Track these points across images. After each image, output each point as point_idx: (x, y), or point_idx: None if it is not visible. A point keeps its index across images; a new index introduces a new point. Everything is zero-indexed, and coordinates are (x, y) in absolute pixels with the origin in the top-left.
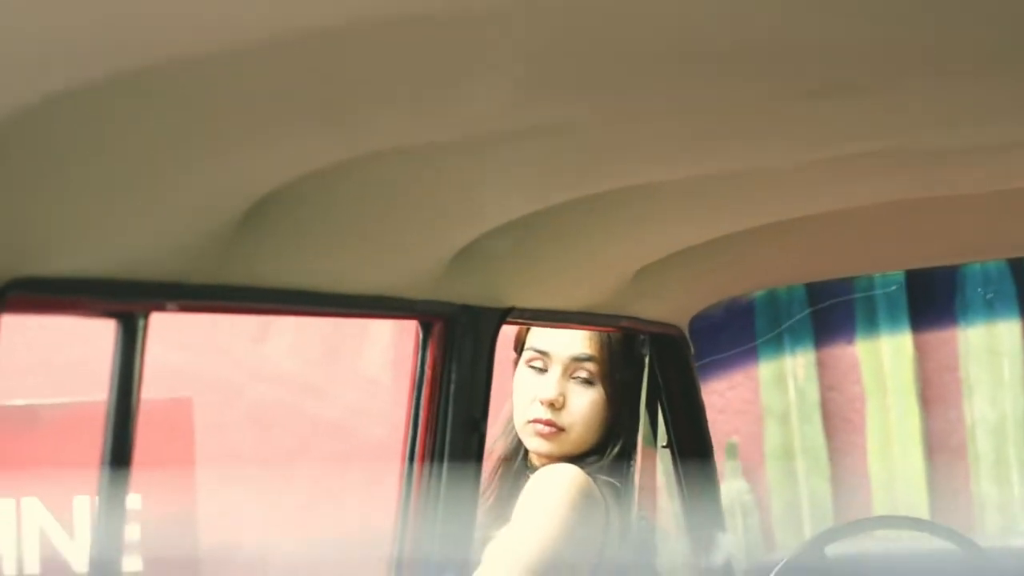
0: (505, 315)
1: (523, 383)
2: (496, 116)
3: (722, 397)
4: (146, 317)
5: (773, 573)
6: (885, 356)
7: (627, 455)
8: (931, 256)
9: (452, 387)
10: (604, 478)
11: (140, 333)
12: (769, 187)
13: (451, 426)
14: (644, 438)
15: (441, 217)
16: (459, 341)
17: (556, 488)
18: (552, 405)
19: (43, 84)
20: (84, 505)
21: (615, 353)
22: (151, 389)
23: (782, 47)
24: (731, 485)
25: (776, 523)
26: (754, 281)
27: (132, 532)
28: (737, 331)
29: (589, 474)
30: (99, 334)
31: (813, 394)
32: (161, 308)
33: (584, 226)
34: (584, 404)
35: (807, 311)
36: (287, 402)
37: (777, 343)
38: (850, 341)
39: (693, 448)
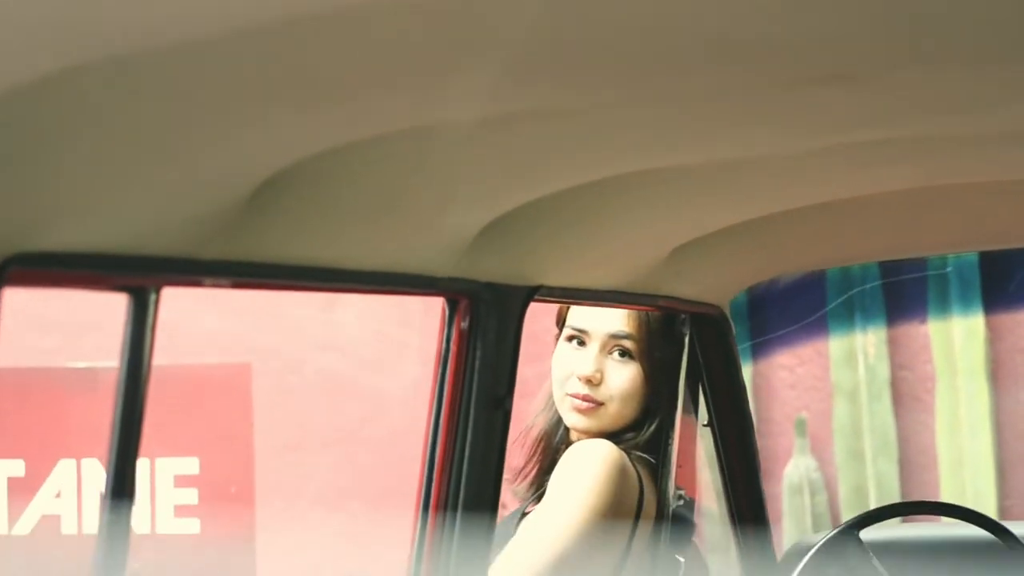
0: (532, 293)
1: (562, 359)
2: (510, 97)
3: (792, 373)
4: (157, 292)
5: (807, 557)
6: (956, 336)
7: (664, 432)
8: (966, 241)
9: (477, 364)
10: (639, 454)
11: (151, 307)
12: (797, 172)
13: (475, 404)
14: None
15: (464, 195)
16: (484, 319)
17: (590, 463)
18: (590, 381)
19: (45, 61)
20: (144, 468)
21: (653, 331)
22: (210, 355)
23: (784, 36)
24: (799, 462)
25: (843, 502)
26: (793, 263)
27: (189, 496)
28: (807, 304)
29: (624, 450)
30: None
31: (883, 372)
32: (173, 283)
33: (614, 205)
34: (622, 380)
35: (878, 283)
36: (349, 374)
37: (848, 320)
38: (922, 320)
39: (734, 427)
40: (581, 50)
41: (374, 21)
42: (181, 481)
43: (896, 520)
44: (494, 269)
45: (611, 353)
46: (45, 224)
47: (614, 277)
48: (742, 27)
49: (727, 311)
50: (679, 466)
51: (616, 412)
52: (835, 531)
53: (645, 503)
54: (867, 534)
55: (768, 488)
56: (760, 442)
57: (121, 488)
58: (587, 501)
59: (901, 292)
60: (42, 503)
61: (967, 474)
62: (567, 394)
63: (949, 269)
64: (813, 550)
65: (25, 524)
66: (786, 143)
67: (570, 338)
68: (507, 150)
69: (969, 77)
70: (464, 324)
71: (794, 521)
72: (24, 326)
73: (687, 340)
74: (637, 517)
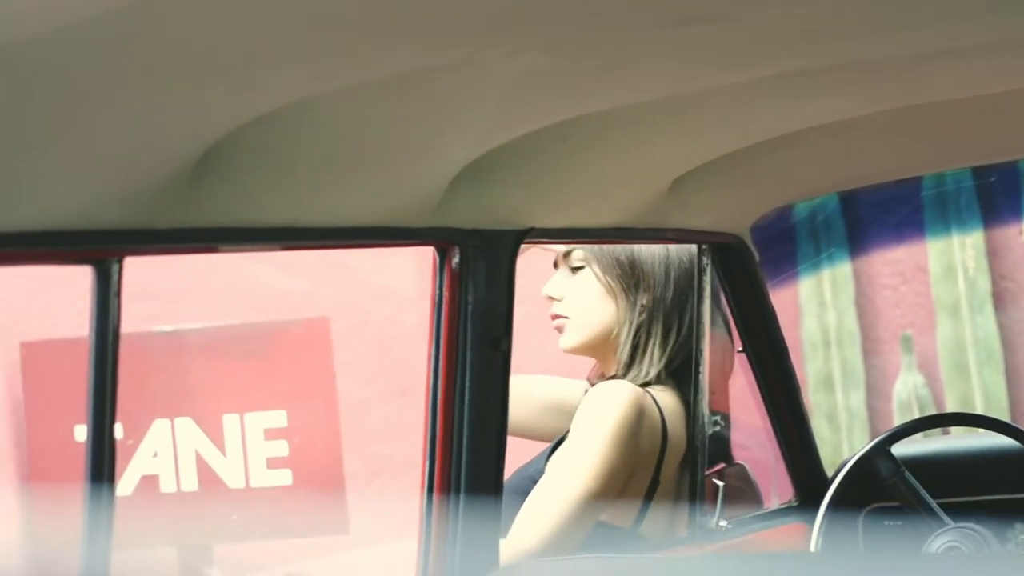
0: (523, 236)
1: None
2: (474, 42)
3: (895, 292)
4: (120, 262)
5: (840, 475)
6: None
7: (688, 365)
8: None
9: (470, 309)
10: (662, 390)
11: (115, 277)
12: (791, 94)
13: (472, 347)
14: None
15: (436, 142)
16: (473, 265)
17: (604, 405)
18: (551, 299)
19: None
20: (234, 424)
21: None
22: (286, 312)
23: None
24: (907, 379)
25: None
26: (810, 186)
27: (279, 448)
28: (904, 217)
29: (644, 388)
30: (243, 261)
31: (984, 284)
32: (133, 252)
33: (601, 141)
34: (577, 288)
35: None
36: (417, 329)
37: (944, 226)
38: (1019, 224)
39: (769, 351)
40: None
41: None
42: (271, 434)
43: (937, 432)
44: (479, 214)
45: (571, 272)
46: None
47: (613, 213)
48: None
49: (747, 238)
50: (712, 393)
51: (585, 321)
52: (867, 447)
53: (671, 436)
54: (901, 449)
55: (880, 405)
56: (868, 361)
57: (99, 454)
58: (606, 443)
59: (994, 199)
60: (141, 463)
61: None
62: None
63: None
64: (845, 468)
65: (127, 485)
66: (769, 66)
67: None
68: (478, 94)
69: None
70: (454, 270)
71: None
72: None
73: (702, 268)
74: (662, 452)
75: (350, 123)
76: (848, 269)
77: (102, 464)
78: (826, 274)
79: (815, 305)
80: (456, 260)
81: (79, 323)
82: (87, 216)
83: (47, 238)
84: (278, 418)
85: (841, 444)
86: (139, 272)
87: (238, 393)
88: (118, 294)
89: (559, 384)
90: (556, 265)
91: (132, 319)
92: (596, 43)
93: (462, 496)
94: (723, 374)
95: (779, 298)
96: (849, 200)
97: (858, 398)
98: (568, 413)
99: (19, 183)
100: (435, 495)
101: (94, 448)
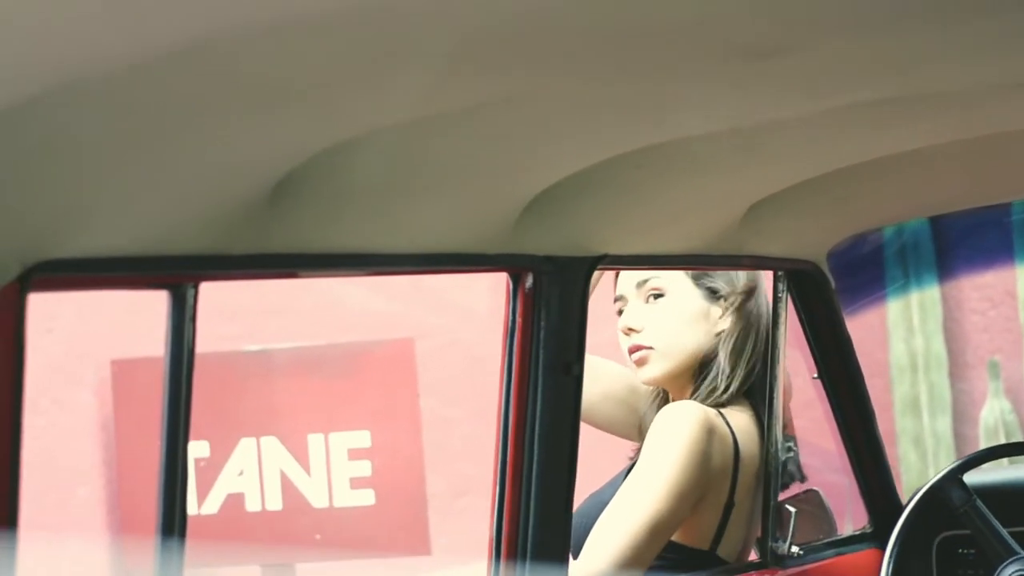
0: (596, 262)
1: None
2: (549, 72)
3: (984, 316)
4: (195, 287)
5: (911, 504)
6: None
7: (761, 387)
8: None
9: (542, 335)
10: (734, 411)
11: (190, 302)
12: (865, 124)
13: (543, 370)
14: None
15: (509, 169)
16: (546, 290)
17: (675, 425)
18: (631, 330)
19: (51, 73)
20: (318, 443)
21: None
22: (372, 333)
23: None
24: (994, 404)
25: None
26: (884, 214)
27: (363, 468)
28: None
29: (716, 408)
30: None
31: None
32: (209, 277)
33: (675, 168)
34: (659, 316)
35: None
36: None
37: None
38: None
39: (843, 377)
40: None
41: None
42: (355, 454)
43: (1005, 462)
44: (553, 241)
45: (646, 301)
46: (69, 231)
47: (687, 240)
48: None
49: (823, 265)
50: (790, 420)
51: (671, 348)
52: (940, 475)
53: (743, 456)
54: (973, 478)
55: (966, 431)
56: (955, 386)
57: (173, 476)
58: (675, 462)
59: None
60: (227, 482)
61: None
62: (629, 355)
63: None
64: (918, 495)
65: (213, 503)
66: (844, 95)
67: (618, 312)
68: (552, 123)
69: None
70: (527, 296)
71: (992, 463)
72: (210, 315)
73: (778, 296)
74: (735, 473)
75: (425, 151)
76: (936, 293)
77: (175, 485)
78: (914, 298)
79: (903, 329)
80: (529, 285)
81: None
82: (164, 242)
83: (124, 264)
84: (362, 438)
85: (927, 469)
86: (229, 293)
87: (323, 412)
88: (193, 319)
89: (623, 373)
90: (619, 299)
91: (222, 339)
92: (670, 73)
93: (532, 519)
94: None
95: (866, 321)
96: (938, 224)
97: (945, 423)
98: (628, 403)
99: (99, 210)
100: (505, 518)
101: (167, 469)
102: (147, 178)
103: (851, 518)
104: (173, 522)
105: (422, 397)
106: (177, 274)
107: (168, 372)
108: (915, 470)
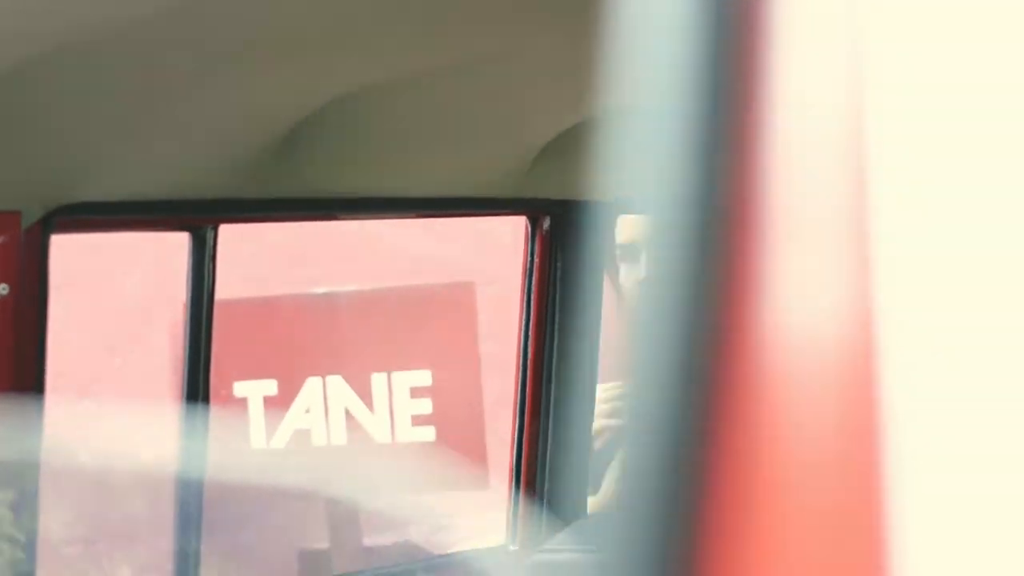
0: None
1: None
2: (542, 26)
3: None
4: (215, 229)
5: None
6: None
7: None
8: None
9: (560, 275)
10: None
11: (210, 243)
12: None
13: (560, 307)
14: None
15: (517, 119)
16: (563, 233)
17: None
18: None
19: (76, 24)
20: (381, 382)
21: None
22: (433, 276)
23: None
24: None
25: None
26: None
27: (424, 406)
28: None
29: None
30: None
31: None
32: (229, 220)
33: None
34: None
35: None
36: None
37: None
38: None
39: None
40: None
41: None
42: (416, 392)
43: None
44: (569, 186)
45: None
46: (91, 176)
47: None
48: None
49: None
50: None
51: None
52: None
53: None
54: None
55: None
56: None
57: (193, 412)
58: None
59: None
60: (294, 418)
61: None
62: None
63: None
64: None
65: (280, 438)
66: None
67: None
68: (553, 75)
69: None
70: (545, 239)
71: None
72: (285, 260)
73: None
74: None
75: (435, 100)
76: None
77: (195, 420)
78: None
79: None
80: (546, 228)
81: (240, 285)
82: (185, 186)
83: (145, 207)
84: (423, 377)
85: None
86: (300, 240)
87: (386, 353)
88: (213, 259)
89: None
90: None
91: (292, 282)
92: None
93: (550, 448)
94: None
95: None
96: None
97: None
98: None
99: (119, 156)
100: (525, 446)
101: (188, 403)
102: (166, 126)
103: None
104: (192, 457)
105: (481, 341)
106: (197, 217)
107: (190, 309)
108: None
